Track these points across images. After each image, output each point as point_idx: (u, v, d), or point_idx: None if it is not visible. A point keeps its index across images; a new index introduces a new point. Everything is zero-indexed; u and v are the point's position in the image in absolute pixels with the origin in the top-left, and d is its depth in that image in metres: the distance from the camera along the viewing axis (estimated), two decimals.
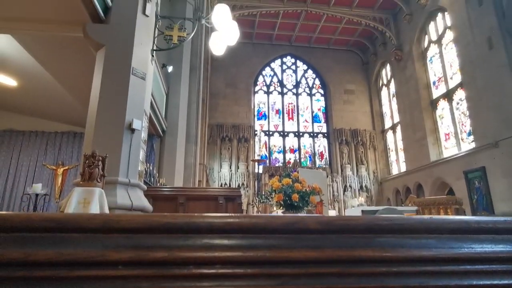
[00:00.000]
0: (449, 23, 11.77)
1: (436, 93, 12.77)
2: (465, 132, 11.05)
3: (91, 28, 3.48)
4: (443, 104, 12.35)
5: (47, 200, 6.92)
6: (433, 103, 12.80)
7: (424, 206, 6.06)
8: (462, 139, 11.22)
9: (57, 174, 7.72)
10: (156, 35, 4.02)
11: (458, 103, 11.48)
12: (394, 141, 15.44)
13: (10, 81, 6.23)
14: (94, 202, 2.58)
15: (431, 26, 12.96)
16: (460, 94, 11.32)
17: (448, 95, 11.94)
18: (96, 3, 3.35)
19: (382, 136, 16.28)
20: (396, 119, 15.12)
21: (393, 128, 15.48)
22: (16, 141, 8.02)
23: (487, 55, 9.61)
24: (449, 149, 11.85)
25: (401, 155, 14.69)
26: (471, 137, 10.53)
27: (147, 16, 3.76)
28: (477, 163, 9.73)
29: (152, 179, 5.78)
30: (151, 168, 5.79)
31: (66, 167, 7.82)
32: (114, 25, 3.55)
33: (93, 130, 3.30)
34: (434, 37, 12.86)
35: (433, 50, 13.03)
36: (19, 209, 7.33)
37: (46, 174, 7.94)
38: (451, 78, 11.86)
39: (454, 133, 11.59)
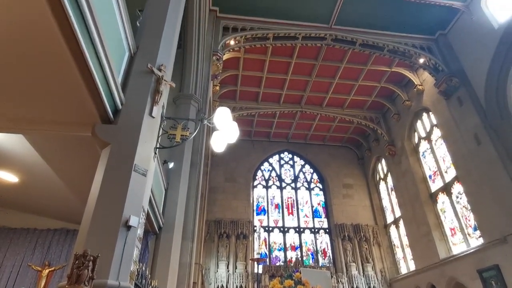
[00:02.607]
0: (435, 121, 12.57)
1: (433, 186, 12.85)
2: (471, 226, 10.74)
3: (99, 129, 3.69)
4: (442, 198, 12.30)
5: None
6: (433, 197, 12.76)
7: None
8: (469, 234, 10.83)
9: (41, 276, 7.18)
10: (160, 134, 4.25)
11: (457, 197, 11.45)
12: (398, 236, 14.86)
13: (11, 178, 6.29)
14: None
15: (419, 124, 13.82)
16: (458, 188, 11.38)
17: (446, 189, 11.98)
18: (108, 107, 3.63)
19: (385, 231, 15.75)
20: (398, 213, 14.86)
21: (396, 222, 15.08)
22: (5, 239, 7.67)
23: (476, 150, 10.00)
24: (458, 245, 11.33)
25: (408, 251, 13.97)
26: (478, 232, 10.19)
27: (153, 117, 4.04)
28: (489, 261, 9.19)
29: (144, 281, 5.35)
30: (143, 268, 5.41)
31: (52, 268, 7.32)
32: (121, 126, 3.77)
33: (88, 226, 3.21)
34: (423, 134, 13.59)
35: (424, 145, 13.61)
36: None
37: (30, 276, 7.36)
38: (446, 172, 12.10)
39: (460, 228, 11.25)
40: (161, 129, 4.28)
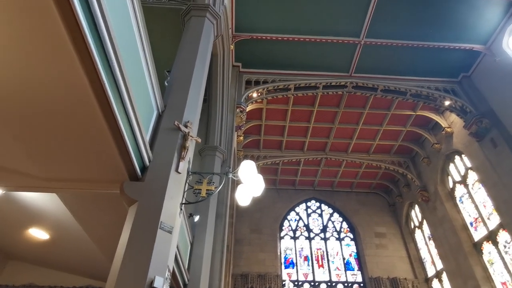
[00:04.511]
0: (469, 164, 11.94)
1: (476, 235, 11.85)
2: None
3: (127, 186, 3.75)
4: (488, 248, 11.24)
5: None
6: (477, 247, 11.70)
7: None
8: None
9: None
10: (186, 189, 4.25)
11: (505, 246, 10.45)
12: None
13: (43, 235, 6.41)
14: None
15: (452, 167, 13.15)
16: (504, 236, 10.43)
17: (491, 237, 11.00)
18: (136, 165, 3.71)
19: (427, 286, 14.36)
20: (439, 265, 13.65)
21: (438, 276, 13.79)
22: None
23: None
24: None
25: None
26: None
27: (180, 173, 4.07)
28: None
29: None
30: None
31: None
32: (148, 183, 3.82)
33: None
34: (457, 177, 12.87)
35: (460, 190, 12.83)
36: None
37: None
38: (489, 218, 11.21)
39: None
40: (187, 184, 4.29)
